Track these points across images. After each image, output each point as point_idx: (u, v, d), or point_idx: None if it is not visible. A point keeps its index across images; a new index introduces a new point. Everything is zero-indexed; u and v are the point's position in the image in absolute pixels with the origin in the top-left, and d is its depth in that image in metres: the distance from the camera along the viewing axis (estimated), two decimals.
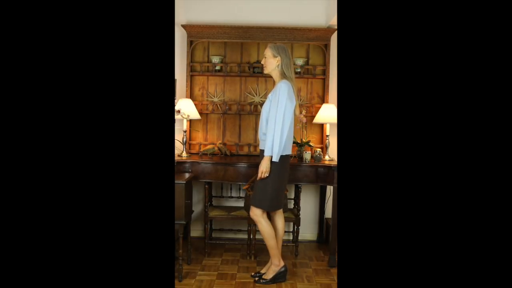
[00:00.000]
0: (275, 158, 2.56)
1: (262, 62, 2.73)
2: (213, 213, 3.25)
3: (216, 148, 3.39)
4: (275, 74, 2.69)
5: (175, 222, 2.65)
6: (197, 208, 3.57)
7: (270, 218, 2.85)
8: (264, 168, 2.59)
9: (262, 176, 2.60)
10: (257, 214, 2.70)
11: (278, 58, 2.64)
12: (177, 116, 3.09)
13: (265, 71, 2.71)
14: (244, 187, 2.96)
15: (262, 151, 2.66)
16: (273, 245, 2.74)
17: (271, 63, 2.66)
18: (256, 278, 2.80)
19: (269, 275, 2.77)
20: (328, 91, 3.50)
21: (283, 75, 2.66)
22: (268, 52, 2.66)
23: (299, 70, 3.49)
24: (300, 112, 3.25)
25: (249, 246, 3.22)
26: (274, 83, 2.77)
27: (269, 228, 2.71)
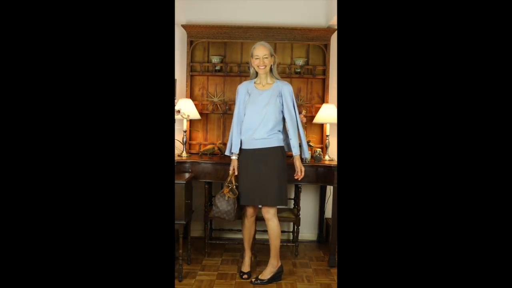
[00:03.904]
0: (307, 155, 2.83)
1: (258, 63, 2.66)
2: (213, 213, 3.24)
3: (216, 148, 3.38)
4: (266, 72, 2.70)
5: (175, 222, 2.65)
6: (197, 208, 3.57)
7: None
8: (303, 167, 2.76)
9: (302, 175, 2.74)
10: (273, 213, 2.71)
11: (274, 56, 2.71)
12: (177, 116, 3.09)
13: (264, 71, 2.68)
14: (225, 191, 2.75)
15: (270, 148, 2.67)
16: (278, 245, 2.77)
17: (270, 62, 2.69)
18: (253, 279, 2.78)
19: (266, 276, 2.77)
20: (328, 91, 3.50)
21: (272, 74, 2.73)
22: (267, 52, 2.65)
23: (299, 70, 3.49)
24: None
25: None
26: (259, 79, 2.73)
27: (279, 227, 2.77)
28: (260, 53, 2.65)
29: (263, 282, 2.75)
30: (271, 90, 2.68)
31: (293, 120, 2.70)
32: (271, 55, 2.68)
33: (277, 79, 2.74)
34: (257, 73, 2.72)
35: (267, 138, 2.67)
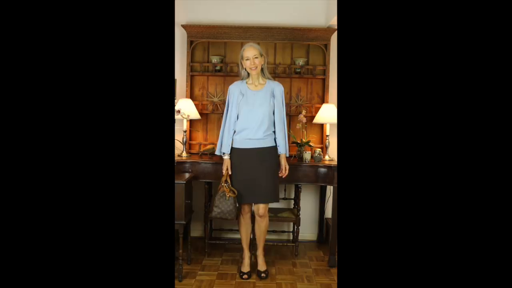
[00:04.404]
0: (287, 155, 2.83)
1: (250, 65, 2.70)
2: (214, 215, 3.23)
3: (216, 148, 3.38)
4: (258, 72, 2.74)
5: (175, 222, 2.65)
6: (197, 208, 3.57)
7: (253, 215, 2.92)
8: (287, 166, 2.80)
9: (287, 173, 2.80)
10: (267, 209, 2.81)
11: (264, 56, 2.76)
12: (177, 116, 3.09)
13: (256, 71, 2.72)
14: (226, 192, 2.73)
15: (266, 148, 2.73)
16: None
17: (261, 62, 2.73)
18: (263, 275, 2.86)
19: (264, 266, 2.91)
20: (328, 91, 3.50)
21: (263, 74, 2.78)
22: (256, 52, 2.69)
23: (299, 70, 3.49)
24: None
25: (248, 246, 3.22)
26: (251, 80, 2.78)
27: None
28: (250, 54, 2.69)
29: (267, 273, 2.88)
30: (264, 91, 2.75)
31: (282, 120, 2.78)
32: (261, 55, 2.72)
33: (269, 78, 2.80)
34: (248, 73, 2.76)
35: (263, 138, 2.73)
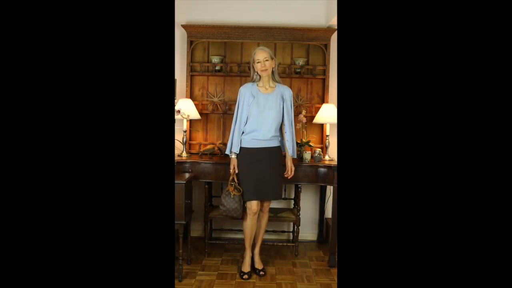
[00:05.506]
0: (295, 156, 2.91)
1: (261, 67, 2.76)
2: (213, 213, 3.25)
3: (216, 148, 3.38)
4: (269, 75, 2.81)
5: (175, 222, 2.65)
6: (197, 208, 3.57)
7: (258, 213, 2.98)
8: (293, 167, 2.89)
9: (292, 174, 2.88)
10: (269, 207, 2.95)
11: (275, 59, 2.83)
12: (177, 116, 3.10)
13: (267, 73, 2.78)
14: (231, 190, 2.80)
15: (275, 147, 2.83)
16: None
17: (271, 64, 2.79)
18: (262, 273, 2.90)
19: (261, 264, 2.96)
20: (328, 91, 3.50)
21: (273, 76, 2.84)
22: (267, 55, 2.77)
23: (299, 70, 3.49)
24: None
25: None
26: (262, 83, 2.82)
27: None
28: (261, 56, 2.76)
29: (265, 270, 2.94)
30: (275, 94, 2.82)
31: (291, 123, 2.88)
32: (272, 58, 2.78)
33: (278, 82, 2.87)
34: (260, 76, 2.82)
35: (271, 139, 2.81)
